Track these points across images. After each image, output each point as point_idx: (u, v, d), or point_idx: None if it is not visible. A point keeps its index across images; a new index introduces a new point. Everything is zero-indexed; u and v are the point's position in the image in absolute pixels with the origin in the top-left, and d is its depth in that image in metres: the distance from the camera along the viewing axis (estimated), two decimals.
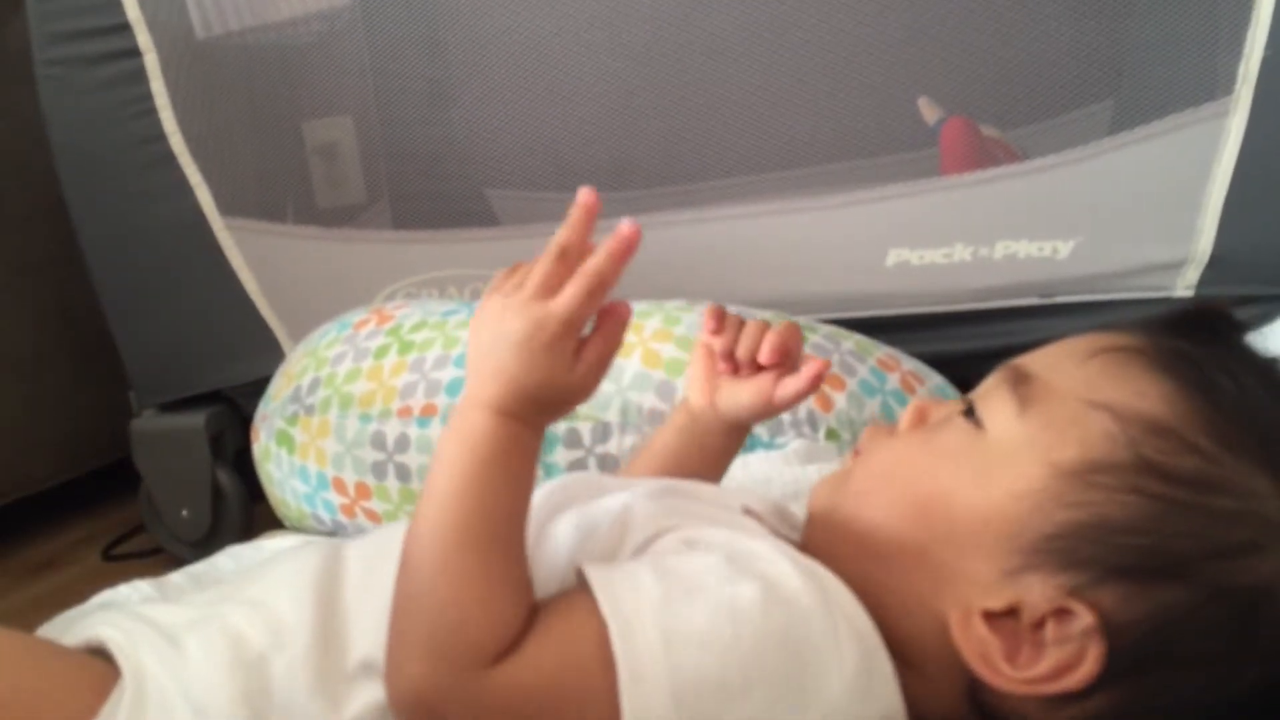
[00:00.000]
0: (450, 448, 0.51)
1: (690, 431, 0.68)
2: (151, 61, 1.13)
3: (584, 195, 0.53)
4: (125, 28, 1.12)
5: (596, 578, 0.48)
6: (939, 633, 0.48)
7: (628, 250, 0.51)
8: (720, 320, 0.65)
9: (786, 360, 0.64)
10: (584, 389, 0.52)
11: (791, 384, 0.62)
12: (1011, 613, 0.47)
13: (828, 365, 0.61)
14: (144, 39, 1.12)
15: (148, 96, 1.14)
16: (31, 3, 1.13)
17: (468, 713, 0.46)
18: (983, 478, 0.49)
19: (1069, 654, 0.45)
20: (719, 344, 0.65)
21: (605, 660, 0.45)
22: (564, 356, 0.50)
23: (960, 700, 0.49)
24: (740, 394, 0.64)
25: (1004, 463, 0.49)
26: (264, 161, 1.30)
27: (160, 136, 1.15)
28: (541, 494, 0.58)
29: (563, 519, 0.55)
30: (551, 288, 0.51)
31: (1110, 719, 0.46)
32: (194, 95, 1.17)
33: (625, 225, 0.51)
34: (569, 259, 0.51)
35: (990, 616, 0.47)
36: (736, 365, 0.65)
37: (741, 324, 0.65)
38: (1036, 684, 0.46)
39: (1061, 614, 0.46)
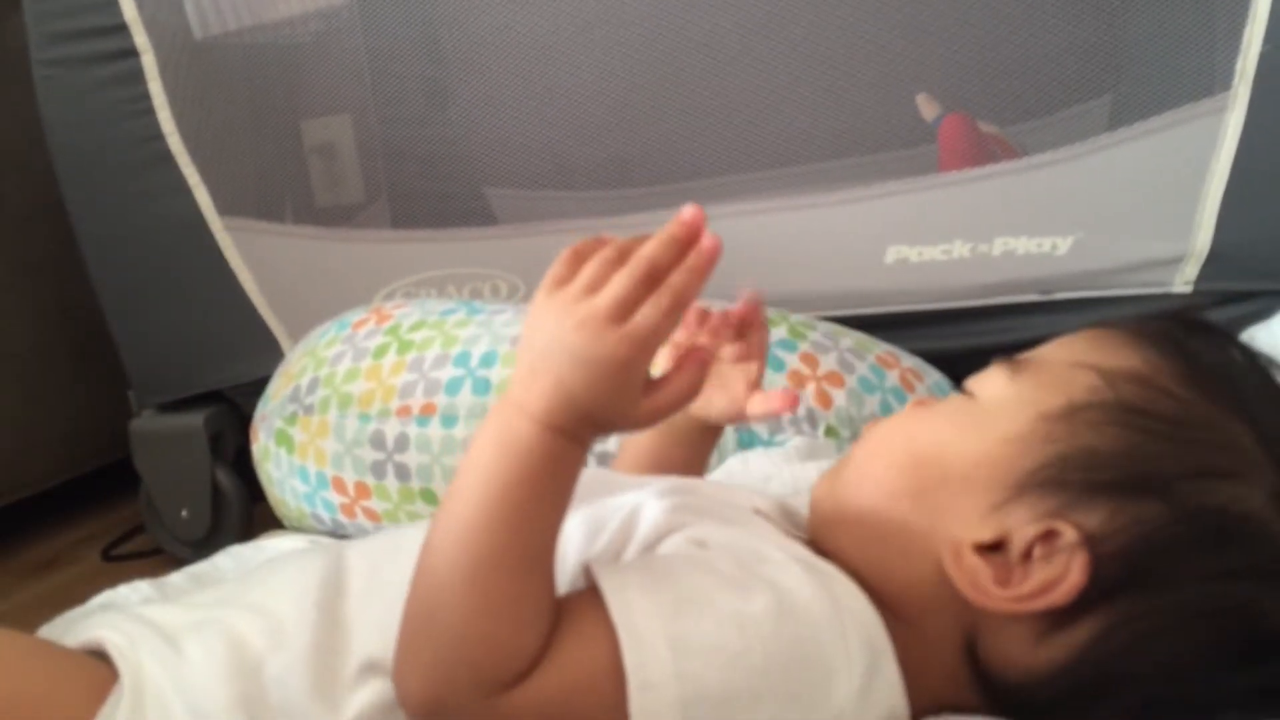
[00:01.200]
0: (488, 454, 0.47)
1: (666, 433, 0.68)
2: (149, 61, 1.13)
3: (689, 213, 0.47)
4: (123, 28, 1.12)
5: (608, 584, 0.47)
6: (935, 579, 0.50)
7: (710, 264, 0.47)
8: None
9: (754, 332, 0.62)
10: (646, 424, 0.48)
11: (762, 402, 0.60)
12: (1001, 545, 0.49)
13: (797, 402, 0.61)
14: (141, 39, 1.12)
15: (146, 96, 1.14)
16: (29, 2, 1.13)
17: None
18: (975, 430, 0.52)
19: (1055, 569, 0.47)
20: (682, 336, 0.62)
21: (616, 671, 0.45)
22: (633, 388, 0.47)
23: (958, 659, 0.50)
24: (714, 400, 0.63)
25: (995, 415, 0.52)
26: (262, 161, 1.30)
27: (158, 136, 1.15)
28: None
29: (572, 517, 0.55)
30: (629, 308, 0.45)
31: (1095, 653, 0.47)
32: (192, 95, 1.17)
33: (707, 239, 0.47)
34: (656, 280, 0.46)
35: (981, 548, 0.49)
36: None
37: (703, 316, 0.62)
38: (1026, 601, 0.47)
39: (1047, 536, 0.48)
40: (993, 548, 0.49)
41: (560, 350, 0.46)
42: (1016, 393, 0.52)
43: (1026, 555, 0.48)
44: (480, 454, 0.47)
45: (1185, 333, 0.52)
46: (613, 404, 0.46)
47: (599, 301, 0.45)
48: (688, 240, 0.47)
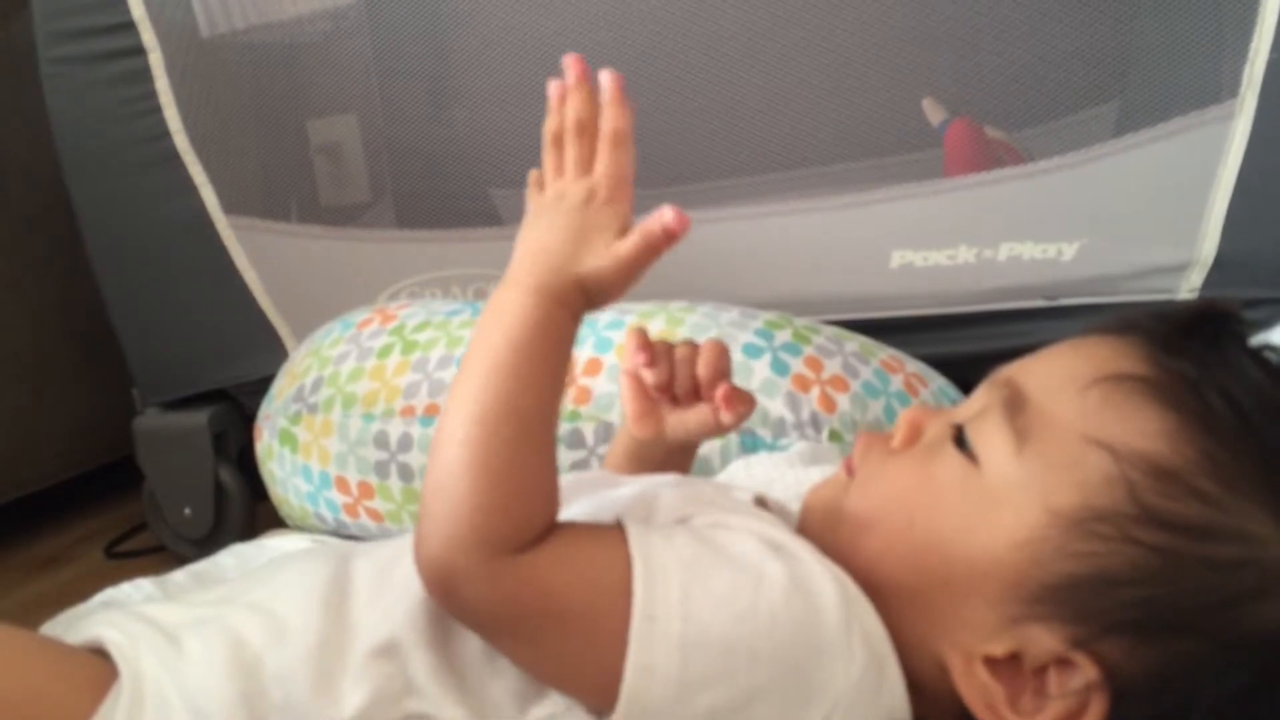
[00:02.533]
0: (484, 329, 0.51)
1: (642, 457, 0.68)
2: (156, 60, 1.13)
3: (607, 77, 0.55)
4: (130, 26, 1.12)
5: (633, 529, 0.48)
6: (938, 671, 0.48)
7: (618, 90, 0.54)
8: (650, 352, 0.62)
9: (722, 381, 0.62)
10: (618, 273, 0.51)
11: (734, 411, 0.61)
12: (1013, 658, 0.47)
13: (730, 387, 0.61)
14: (148, 37, 1.12)
15: (152, 95, 1.14)
16: (36, 1, 1.13)
17: (480, 595, 0.46)
18: (980, 523, 0.48)
19: (1072, 705, 0.45)
20: (653, 377, 0.62)
21: (624, 592, 0.45)
22: (607, 231, 0.52)
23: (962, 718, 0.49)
24: (687, 421, 0.62)
25: (1002, 506, 0.48)
26: (268, 160, 1.30)
27: (164, 135, 1.15)
28: None
29: (574, 506, 0.55)
30: (587, 165, 0.54)
31: None
32: (198, 94, 1.17)
33: (605, 77, 0.55)
34: (589, 132, 0.54)
35: (991, 662, 0.47)
36: (674, 396, 0.63)
37: (670, 351, 0.62)
38: None
39: (1064, 664, 0.45)
40: (1003, 660, 0.47)
41: (545, 227, 0.53)
42: (1023, 475, 0.47)
43: (1040, 670, 0.46)
44: (478, 331, 0.51)
45: (1203, 374, 0.47)
46: (589, 249, 0.52)
47: (567, 176, 0.54)
48: (588, 86, 0.55)
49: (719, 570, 0.46)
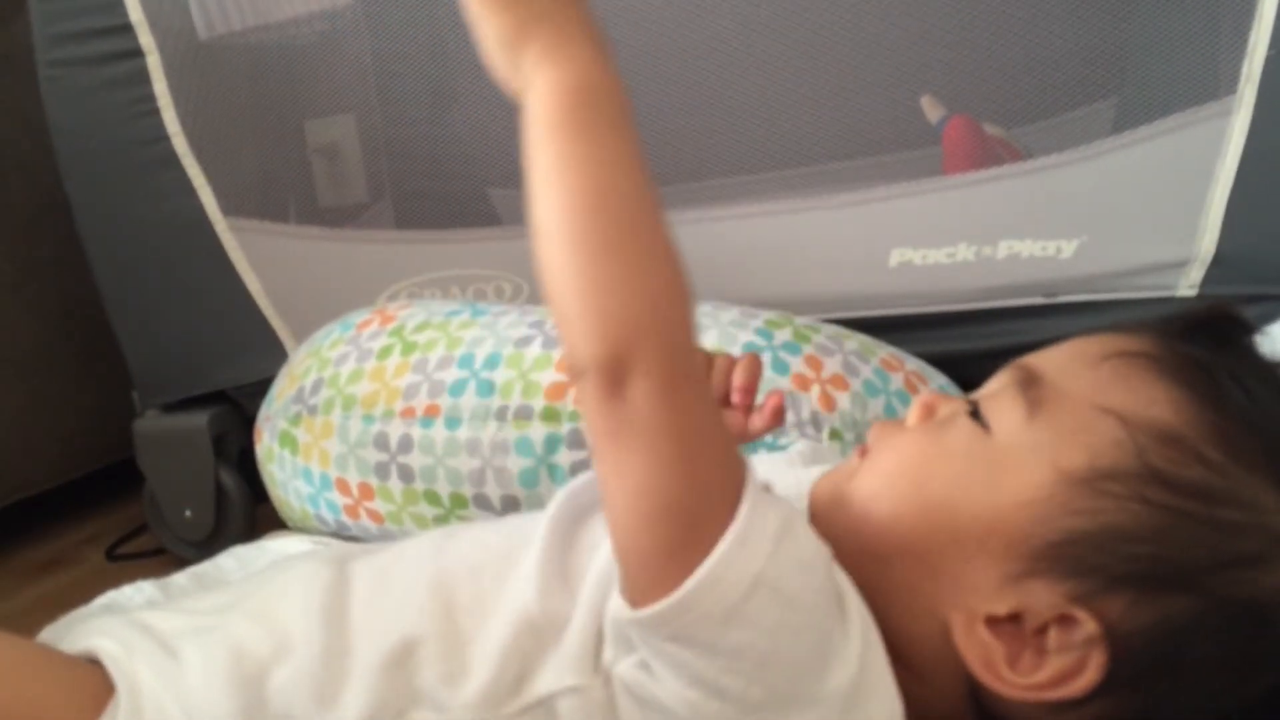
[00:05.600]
0: (531, 140, 0.47)
1: None
2: (154, 62, 1.13)
3: None
4: (128, 29, 1.12)
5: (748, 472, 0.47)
6: (941, 636, 0.49)
7: None
8: None
9: (753, 394, 0.63)
10: None
11: (759, 420, 0.61)
12: (1014, 618, 0.47)
13: (782, 397, 0.60)
14: (146, 40, 1.12)
15: (150, 97, 1.14)
16: (34, 3, 1.13)
17: (651, 371, 0.43)
18: (989, 483, 0.49)
19: (1071, 661, 0.46)
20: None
21: (732, 503, 0.44)
22: None
23: (961, 703, 0.49)
24: None
25: (1011, 468, 0.49)
26: (266, 161, 1.30)
27: (163, 137, 1.15)
28: (564, 494, 0.58)
29: (596, 518, 0.55)
30: None
31: None
32: (197, 95, 1.17)
33: None
34: None
35: (993, 621, 0.47)
36: None
37: (709, 360, 0.62)
38: (1038, 690, 0.46)
39: (1064, 621, 0.46)
40: (1005, 619, 0.47)
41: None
42: (1034, 439, 0.49)
43: (1040, 631, 0.47)
44: (527, 148, 0.47)
45: (1213, 359, 0.49)
46: None
47: None
48: None
49: (799, 539, 0.46)
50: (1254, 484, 0.46)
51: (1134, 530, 0.46)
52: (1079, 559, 0.46)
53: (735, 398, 0.61)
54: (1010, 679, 0.46)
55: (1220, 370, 0.48)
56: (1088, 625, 0.45)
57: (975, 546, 0.48)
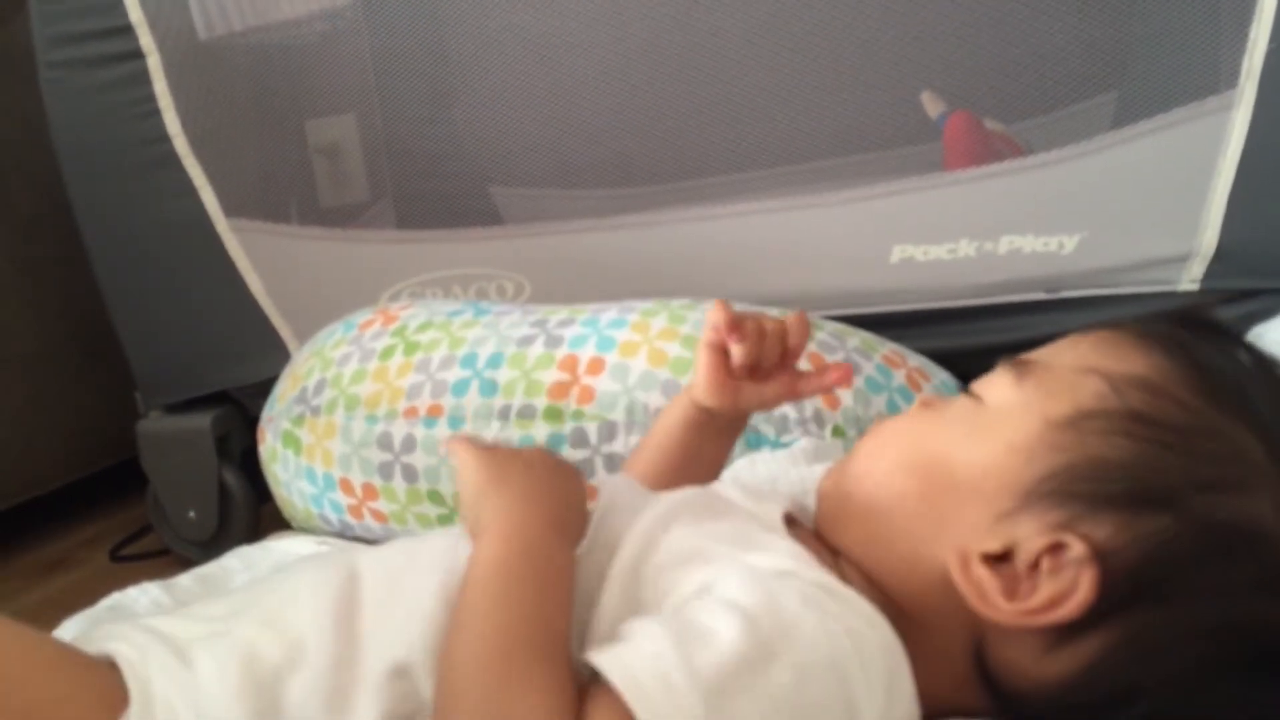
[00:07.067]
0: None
1: (705, 427, 0.69)
2: (154, 63, 1.13)
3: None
4: (128, 29, 1.12)
5: (623, 683, 0.43)
6: (942, 584, 0.50)
7: None
8: (741, 330, 0.63)
9: (798, 356, 0.66)
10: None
11: (814, 382, 0.65)
12: (1008, 556, 0.49)
13: (850, 370, 0.64)
14: (147, 41, 1.12)
15: (151, 98, 1.14)
16: (35, 4, 1.13)
17: None
18: (981, 436, 0.52)
19: (1064, 583, 0.47)
20: (740, 353, 0.63)
21: None
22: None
23: (966, 663, 0.51)
24: (765, 393, 0.66)
25: (1001, 421, 0.52)
26: (267, 162, 1.30)
27: (164, 138, 1.15)
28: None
29: (674, 530, 0.53)
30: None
31: (1105, 665, 0.47)
32: (197, 96, 1.17)
33: None
34: None
35: (988, 559, 0.49)
36: (752, 369, 0.65)
37: (759, 329, 0.64)
38: (1033, 614, 0.47)
39: (1055, 549, 0.48)
40: (1000, 558, 0.49)
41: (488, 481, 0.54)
42: (1022, 398, 0.52)
43: (1034, 566, 0.48)
44: (465, 582, 0.50)
45: (1194, 336, 0.52)
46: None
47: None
48: None
49: (737, 703, 0.43)
50: (1232, 425, 0.48)
51: (1116, 459, 0.48)
52: (1065, 490, 0.48)
53: (793, 362, 0.65)
54: (1005, 607, 0.48)
55: (1199, 348, 0.51)
56: (1076, 547, 0.47)
57: (969, 490, 0.51)
